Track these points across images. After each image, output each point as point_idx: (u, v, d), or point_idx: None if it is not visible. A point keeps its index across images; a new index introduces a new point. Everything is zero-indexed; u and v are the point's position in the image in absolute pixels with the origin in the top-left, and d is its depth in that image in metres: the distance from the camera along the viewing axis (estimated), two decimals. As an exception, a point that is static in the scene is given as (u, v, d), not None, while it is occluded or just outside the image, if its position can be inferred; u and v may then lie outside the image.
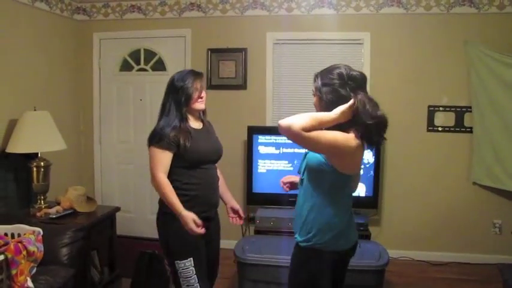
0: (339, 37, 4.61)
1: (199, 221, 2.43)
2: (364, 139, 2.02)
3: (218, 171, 2.79)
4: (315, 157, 2.11)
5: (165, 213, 2.55)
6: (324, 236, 2.14)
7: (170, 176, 2.53)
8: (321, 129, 1.97)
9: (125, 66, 5.04)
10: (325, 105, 2.07)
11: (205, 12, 4.79)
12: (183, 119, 2.55)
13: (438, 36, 4.45)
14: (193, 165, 2.55)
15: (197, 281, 2.53)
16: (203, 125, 2.71)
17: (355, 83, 2.06)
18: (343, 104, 2.01)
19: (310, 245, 2.16)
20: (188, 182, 2.55)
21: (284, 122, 1.95)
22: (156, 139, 2.49)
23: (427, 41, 4.47)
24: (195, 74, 2.61)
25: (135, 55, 5.04)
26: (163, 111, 2.58)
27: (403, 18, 4.49)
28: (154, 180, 2.48)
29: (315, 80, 2.14)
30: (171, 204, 2.45)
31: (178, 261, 2.53)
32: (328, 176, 2.09)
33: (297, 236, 2.24)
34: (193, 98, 2.57)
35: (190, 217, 2.42)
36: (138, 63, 5.02)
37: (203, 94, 2.63)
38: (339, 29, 4.59)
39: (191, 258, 2.53)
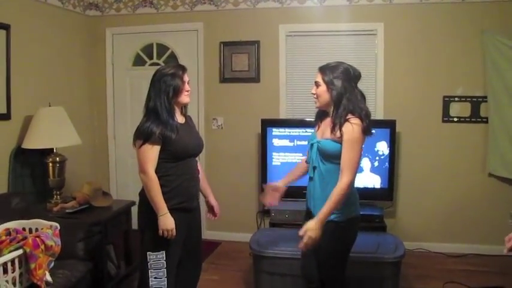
0: (352, 28, 4.56)
1: (174, 232, 2.50)
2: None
3: (199, 165, 2.81)
4: (332, 144, 2.42)
5: (149, 203, 2.56)
6: (356, 203, 2.55)
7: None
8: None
9: (138, 61, 5.05)
10: (336, 95, 2.41)
11: (217, 6, 4.77)
12: (171, 113, 2.55)
13: (453, 25, 4.38)
14: (178, 159, 2.58)
15: (165, 274, 2.55)
16: (185, 120, 2.72)
17: (357, 78, 2.47)
18: (348, 95, 2.38)
19: (349, 217, 2.46)
20: (170, 174, 2.56)
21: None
22: (144, 137, 2.49)
23: (442, 31, 4.40)
24: (182, 67, 2.63)
25: (147, 50, 5.05)
26: (149, 104, 2.56)
27: (417, 8, 4.42)
28: (145, 175, 2.50)
29: (325, 74, 2.45)
30: (156, 203, 2.48)
31: (150, 253, 2.56)
32: None
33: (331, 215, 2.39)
34: (182, 90, 2.58)
35: (171, 222, 2.48)
36: (150, 57, 5.03)
37: (189, 88, 2.64)
38: (352, 20, 4.54)
39: (163, 252, 2.54)
